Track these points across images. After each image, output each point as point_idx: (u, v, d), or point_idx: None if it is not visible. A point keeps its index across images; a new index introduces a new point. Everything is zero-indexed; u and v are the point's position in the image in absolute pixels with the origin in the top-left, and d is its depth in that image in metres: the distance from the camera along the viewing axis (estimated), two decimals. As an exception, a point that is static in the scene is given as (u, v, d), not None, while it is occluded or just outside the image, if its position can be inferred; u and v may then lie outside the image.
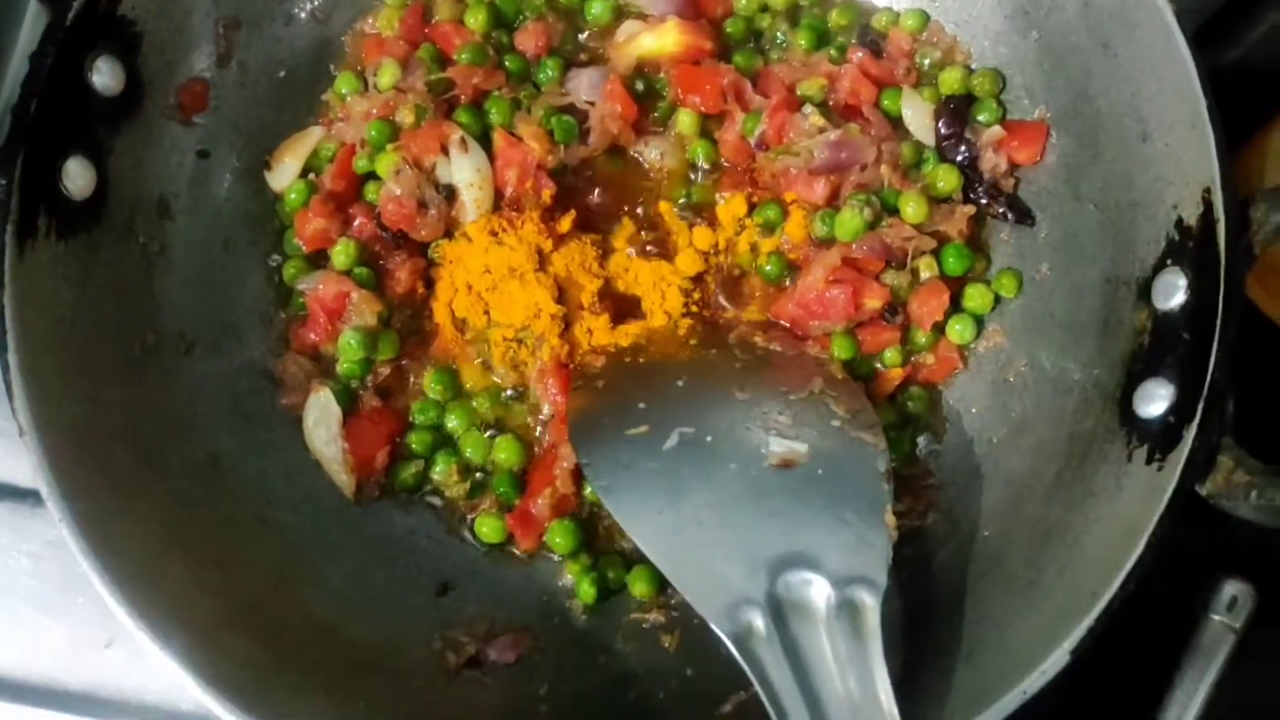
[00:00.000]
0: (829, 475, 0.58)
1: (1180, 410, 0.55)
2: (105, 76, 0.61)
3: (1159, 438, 0.55)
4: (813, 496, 0.57)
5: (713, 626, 0.53)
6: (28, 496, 0.73)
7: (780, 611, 0.53)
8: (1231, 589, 0.76)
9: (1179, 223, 0.58)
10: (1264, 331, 0.77)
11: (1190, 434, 0.53)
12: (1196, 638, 0.75)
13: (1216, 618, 0.76)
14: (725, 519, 0.57)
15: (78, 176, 0.60)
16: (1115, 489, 0.56)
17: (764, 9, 0.73)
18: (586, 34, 0.73)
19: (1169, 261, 0.58)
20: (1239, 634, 0.75)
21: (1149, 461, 0.55)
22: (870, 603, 0.53)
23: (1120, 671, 0.74)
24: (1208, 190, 0.56)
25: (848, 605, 0.53)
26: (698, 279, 0.69)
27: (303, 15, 0.71)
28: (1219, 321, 0.54)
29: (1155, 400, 0.56)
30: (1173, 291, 0.58)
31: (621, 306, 0.70)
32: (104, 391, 0.58)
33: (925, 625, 0.60)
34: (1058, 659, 0.51)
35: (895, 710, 0.50)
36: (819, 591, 0.54)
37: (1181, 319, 0.57)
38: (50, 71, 0.58)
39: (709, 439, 0.60)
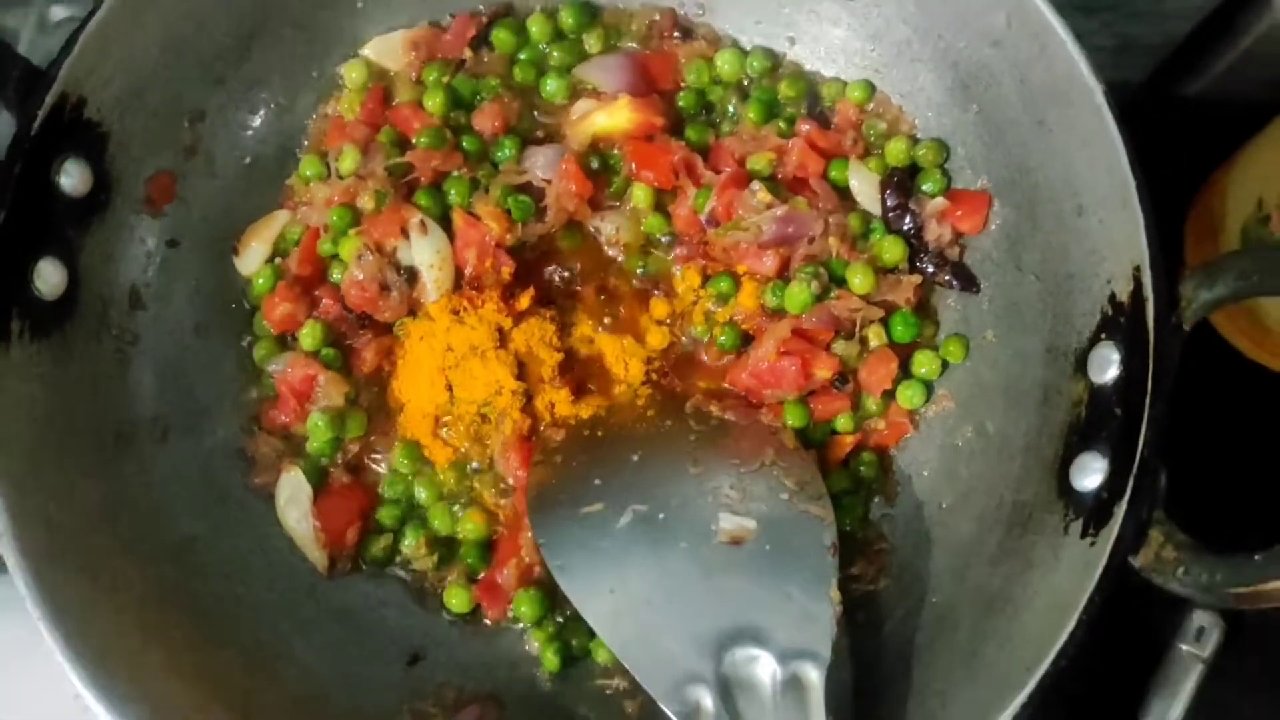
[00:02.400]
0: (776, 550, 0.61)
1: (1113, 486, 0.56)
2: (73, 179, 0.63)
3: (1093, 512, 0.57)
4: (760, 573, 0.60)
5: (661, 705, 0.56)
6: None
7: (728, 689, 0.56)
8: (1199, 619, 0.79)
9: (1112, 297, 0.60)
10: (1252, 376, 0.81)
11: (1121, 510, 0.55)
12: (1166, 667, 0.78)
13: (1185, 647, 0.79)
14: (674, 597, 0.59)
15: (49, 277, 0.62)
16: (1053, 561, 0.58)
17: (715, 81, 0.75)
18: (542, 111, 0.75)
19: (1103, 335, 0.60)
20: (1207, 663, 0.78)
21: (1083, 535, 0.57)
22: (814, 677, 0.56)
23: (1093, 700, 0.77)
24: (1138, 268, 0.58)
25: (793, 681, 0.56)
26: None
27: (267, 103, 0.73)
28: (1147, 397, 0.56)
29: (1090, 473, 0.58)
30: (1107, 365, 0.60)
31: (586, 370, 0.72)
32: (80, 485, 0.61)
33: (876, 692, 0.62)
34: (993, 734, 0.54)
35: None
36: (765, 668, 0.57)
37: (1114, 393, 0.59)
38: (18, 179, 0.60)
39: (661, 516, 0.62)
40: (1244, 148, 0.84)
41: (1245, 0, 0.89)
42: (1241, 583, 0.52)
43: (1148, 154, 0.90)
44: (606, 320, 0.72)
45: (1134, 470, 0.55)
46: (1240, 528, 0.59)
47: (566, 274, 0.73)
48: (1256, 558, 0.52)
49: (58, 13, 0.87)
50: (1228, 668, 0.78)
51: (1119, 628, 0.70)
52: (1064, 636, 0.54)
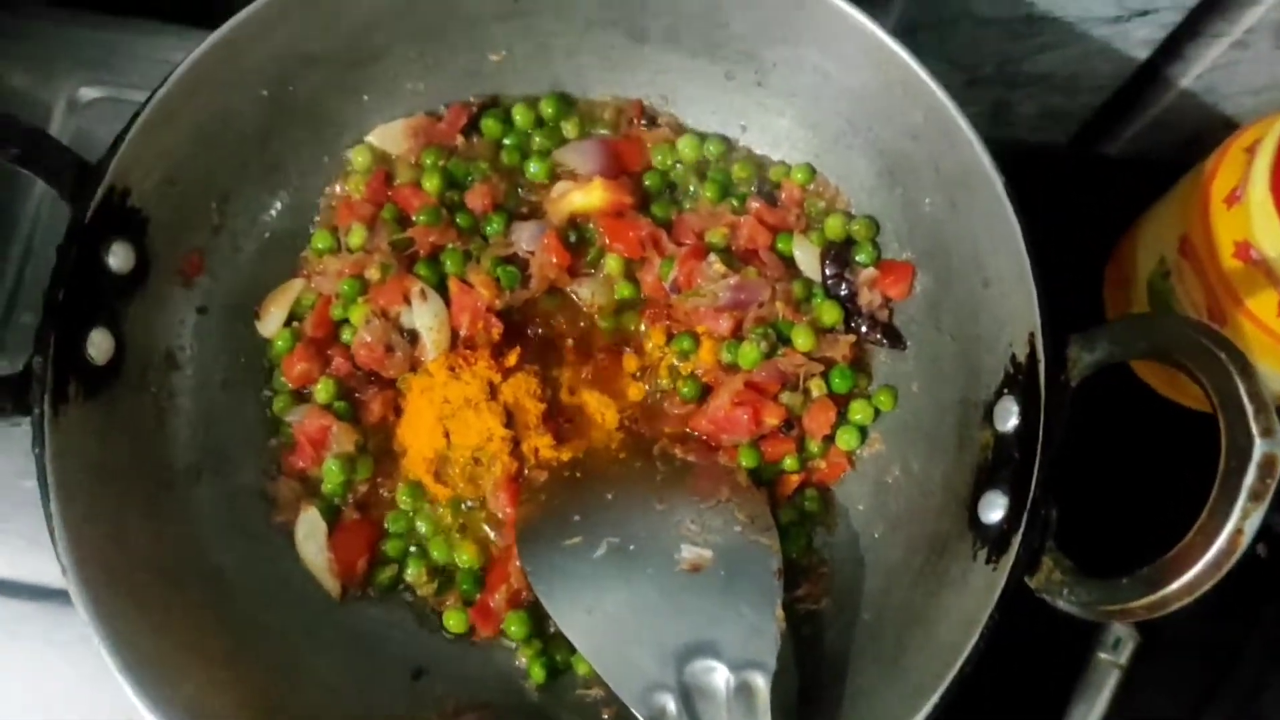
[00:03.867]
0: (730, 575, 0.70)
1: (1011, 519, 0.65)
2: (119, 258, 0.71)
3: (996, 542, 0.65)
4: (715, 594, 0.69)
5: (633, 709, 0.65)
6: (55, 595, 0.84)
7: (688, 695, 0.65)
8: (1116, 630, 0.87)
9: (1013, 358, 0.68)
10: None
11: (1017, 541, 0.64)
12: (1086, 674, 0.86)
13: (1103, 655, 0.87)
14: (642, 617, 0.69)
15: (99, 344, 0.70)
16: (963, 583, 0.67)
17: (677, 163, 0.84)
18: (526, 189, 0.85)
19: (1005, 390, 0.68)
20: (1123, 669, 0.86)
21: (988, 561, 0.65)
22: (761, 683, 0.65)
23: (1016, 707, 0.86)
24: (1032, 334, 0.66)
25: (743, 687, 0.65)
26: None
27: (283, 185, 0.82)
28: (1039, 445, 0.65)
29: (994, 509, 0.67)
30: (1008, 416, 0.68)
31: (566, 413, 0.82)
32: (130, 527, 0.69)
33: (816, 696, 0.71)
34: (912, 730, 0.63)
35: None
36: (720, 677, 0.66)
37: (1014, 440, 0.67)
38: (74, 262, 0.69)
39: (631, 547, 0.72)
40: (1152, 206, 0.92)
41: (1150, 76, 0.99)
42: (1112, 601, 0.61)
43: (1072, 207, 0.99)
44: (585, 373, 0.82)
45: (1028, 507, 0.63)
46: (1133, 554, 0.68)
47: (548, 333, 0.82)
48: (1124, 581, 0.61)
49: (86, 94, 0.96)
50: (1142, 674, 0.85)
51: (1045, 639, 0.78)
52: (970, 647, 0.62)
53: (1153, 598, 0.59)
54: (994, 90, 1.03)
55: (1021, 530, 0.64)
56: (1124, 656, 0.87)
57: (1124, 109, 1.05)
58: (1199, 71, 0.95)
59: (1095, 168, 1.10)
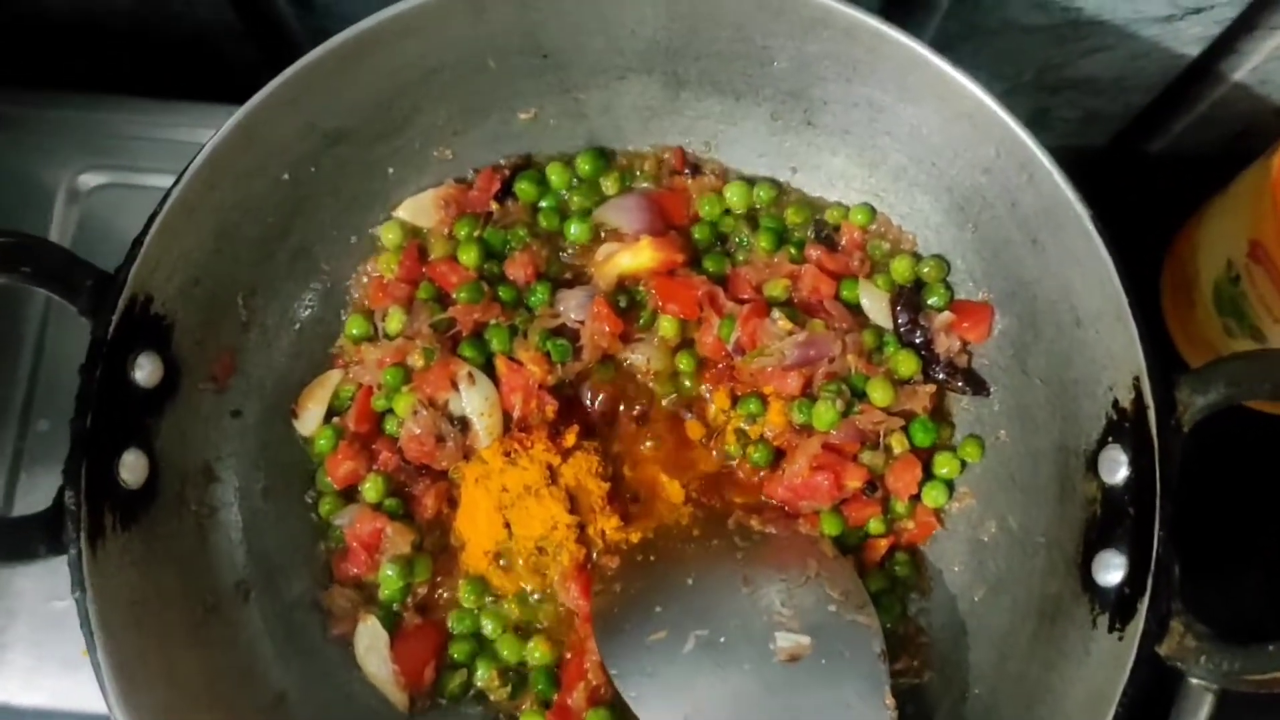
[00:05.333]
0: (830, 662, 0.66)
1: (1133, 582, 0.61)
2: (145, 371, 0.66)
3: (1117, 607, 0.62)
4: (818, 686, 0.65)
5: (744, 820, 0.61)
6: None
7: (803, 801, 0.61)
8: None
9: (1115, 404, 0.64)
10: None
11: (1144, 606, 0.60)
12: (1178, 702, 0.83)
13: (1195, 681, 0.84)
14: (744, 718, 0.64)
15: (133, 467, 0.65)
16: (1084, 653, 0.63)
17: (726, 213, 0.80)
18: (568, 254, 0.80)
19: (1110, 439, 0.65)
20: (1218, 694, 0.83)
21: (1110, 630, 0.62)
22: None
23: None
24: (1137, 378, 0.62)
25: (860, 786, 0.61)
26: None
27: (311, 270, 0.77)
28: (1158, 500, 0.61)
29: (1111, 569, 0.63)
30: (1116, 468, 0.64)
31: (631, 490, 0.77)
32: (180, 661, 0.65)
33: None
34: (1049, 825, 0.59)
35: None
36: (834, 778, 0.62)
37: (1126, 494, 0.63)
38: (99, 382, 0.64)
39: (722, 639, 0.67)
40: (1209, 205, 0.89)
41: (1201, 73, 0.95)
42: (1259, 670, 0.57)
43: (1113, 207, 0.95)
44: (646, 446, 0.77)
45: (1151, 568, 0.59)
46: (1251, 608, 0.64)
47: (605, 406, 0.78)
48: (1270, 648, 0.57)
49: (88, 180, 0.91)
50: (1239, 696, 0.83)
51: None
52: None
53: (1312, 664, 0.55)
54: (1033, 97, 0.99)
55: (1148, 595, 0.60)
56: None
57: (1168, 107, 1.01)
58: (1254, 64, 0.92)
59: (1138, 167, 1.06)
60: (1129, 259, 0.94)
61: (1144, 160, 1.08)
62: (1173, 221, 0.94)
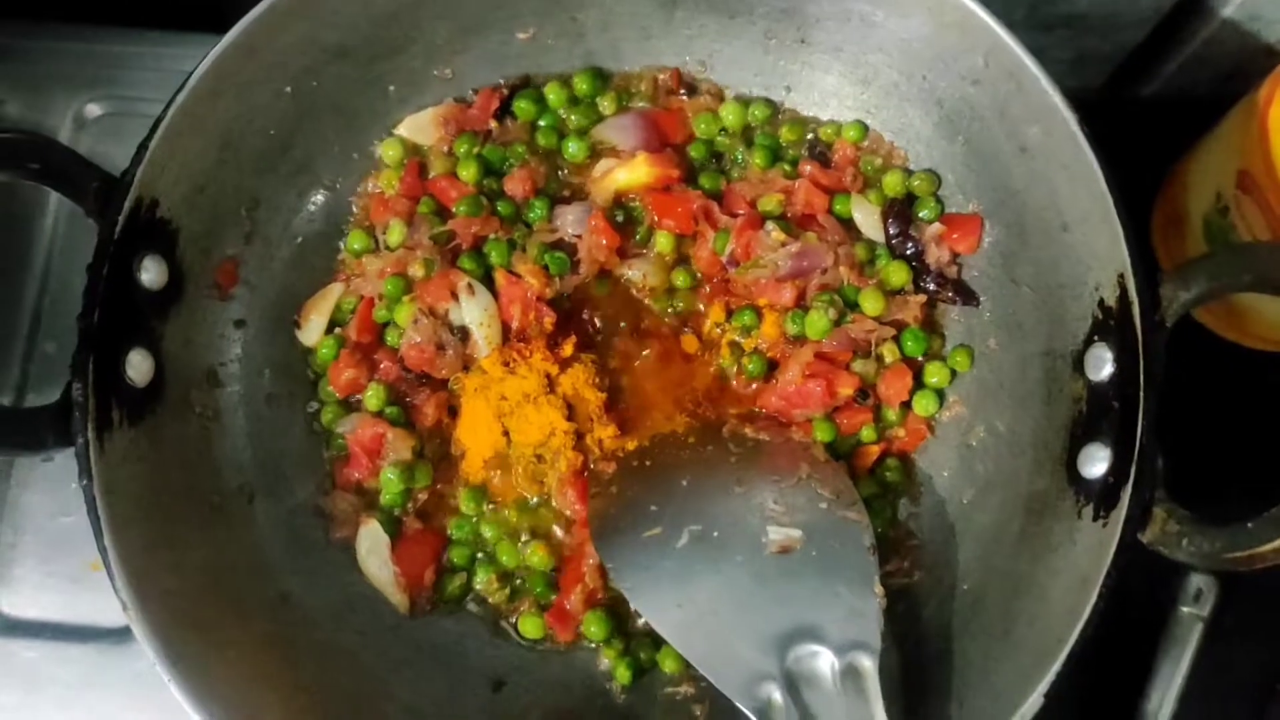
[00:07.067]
0: (821, 555, 0.67)
1: (1117, 472, 0.62)
2: (151, 273, 0.67)
3: (1101, 496, 0.63)
4: (809, 576, 0.66)
5: (737, 704, 0.62)
6: (110, 634, 0.81)
7: (794, 683, 0.62)
8: (1196, 581, 0.85)
9: (1101, 303, 0.66)
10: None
11: (1127, 493, 0.61)
12: (1169, 628, 0.84)
13: (1185, 609, 0.85)
14: (736, 606, 0.65)
15: (139, 366, 0.67)
16: (1070, 543, 0.64)
17: (722, 131, 0.81)
18: (566, 171, 0.81)
19: (1095, 338, 0.66)
20: (1206, 621, 0.84)
21: (1095, 518, 0.63)
22: (868, 665, 0.62)
23: (1104, 666, 0.83)
24: (1122, 275, 0.63)
25: (850, 670, 0.62)
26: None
27: (313, 185, 0.78)
28: (1142, 391, 0.62)
29: (1096, 462, 0.64)
30: (1101, 365, 0.65)
31: (627, 400, 0.78)
32: (186, 555, 0.66)
33: (920, 673, 0.68)
34: (1034, 702, 0.59)
35: None
36: (824, 661, 0.63)
37: (1111, 389, 0.65)
38: (106, 280, 0.65)
39: (715, 534, 0.69)
40: (1200, 143, 0.90)
41: (1191, 8, 0.96)
42: (1239, 548, 0.59)
43: (1109, 151, 0.97)
44: (642, 358, 0.78)
45: (1135, 457, 0.61)
46: (1227, 497, 0.65)
47: (602, 319, 0.79)
48: (1249, 525, 0.59)
49: (92, 110, 0.93)
50: (1225, 624, 0.84)
51: (1124, 597, 0.76)
52: (1089, 608, 0.59)
53: (1287, 537, 0.56)
54: (1026, 37, 0.99)
55: (1131, 482, 0.61)
56: (1206, 608, 0.85)
57: (1159, 47, 1.02)
58: (1243, -1, 0.92)
59: (1131, 111, 1.07)
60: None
61: (1136, 105, 1.09)
62: (1165, 167, 0.95)
